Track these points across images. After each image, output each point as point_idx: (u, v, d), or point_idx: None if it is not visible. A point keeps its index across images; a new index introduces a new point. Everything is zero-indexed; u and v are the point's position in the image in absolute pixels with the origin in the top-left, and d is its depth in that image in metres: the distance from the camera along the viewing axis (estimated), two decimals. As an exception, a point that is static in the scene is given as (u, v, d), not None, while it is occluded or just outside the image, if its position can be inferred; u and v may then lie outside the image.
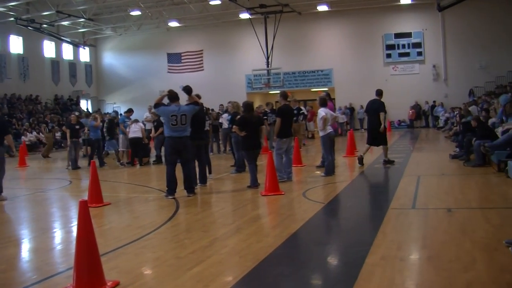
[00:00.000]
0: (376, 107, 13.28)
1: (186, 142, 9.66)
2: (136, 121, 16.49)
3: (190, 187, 9.71)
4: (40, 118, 30.98)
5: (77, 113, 20.03)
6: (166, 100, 9.87)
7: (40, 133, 28.73)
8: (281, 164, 11.02)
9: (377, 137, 13.29)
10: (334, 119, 12.47)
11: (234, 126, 11.03)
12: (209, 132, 13.90)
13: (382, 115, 13.18)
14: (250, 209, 8.63)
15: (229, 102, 14.70)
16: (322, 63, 34.56)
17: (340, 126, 29.42)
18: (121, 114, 22.48)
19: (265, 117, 16.58)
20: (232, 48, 36.42)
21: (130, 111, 18.16)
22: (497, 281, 4.45)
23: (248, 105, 10.81)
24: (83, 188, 12.06)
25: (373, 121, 13.38)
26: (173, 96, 9.70)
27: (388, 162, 13.30)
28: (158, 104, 9.63)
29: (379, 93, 13.59)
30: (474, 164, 12.05)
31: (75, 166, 16.40)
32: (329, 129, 11.72)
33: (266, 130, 12.34)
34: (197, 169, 10.89)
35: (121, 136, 17.08)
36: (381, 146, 13.48)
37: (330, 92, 34.78)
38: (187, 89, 9.90)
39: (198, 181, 10.90)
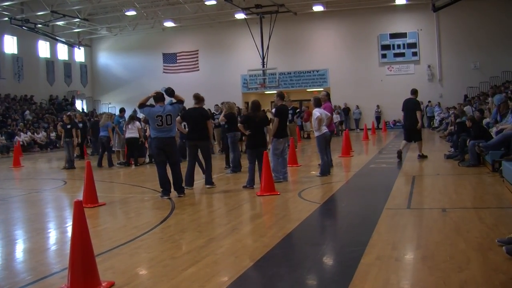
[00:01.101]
0: (413, 106, 14.18)
1: (172, 142, 9.64)
2: (133, 121, 16.28)
3: (179, 188, 9.69)
4: (34, 119, 30.91)
5: (69, 113, 19.94)
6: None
7: (39, 133, 28.66)
8: (277, 164, 11.03)
9: (413, 134, 14.32)
10: (330, 120, 12.47)
11: (238, 125, 10.99)
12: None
13: (419, 113, 14.21)
14: (246, 209, 8.64)
15: (222, 103, 14.63)
16: (317, 63, 34.65)
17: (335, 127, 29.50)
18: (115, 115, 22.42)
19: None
20: (228, 48, 36.45)
21: (122, 111, 18.09)
22: (491, 280, 4.46)
23: (254, 104, 10.78)
24: (78, 188, 12.03)
25: (410, 119, 14.23)
26: (158, 97, 9.63)
27: (422, 156, 14.26)
28: (142, 105, 9.55)
29: (414, 92, 14.50)
30: (469, 164, 12.09)
31: (70, 166, 16.36)
32: (324, 130, 11.72)
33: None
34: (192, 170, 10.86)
35: (116, 136, 17.07)
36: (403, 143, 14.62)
37: (326, 92, 34.85)
38: (169, 91, 9.69)
39: (205, 183, 10.84)
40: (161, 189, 9.62)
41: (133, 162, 16.54)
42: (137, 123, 16.31)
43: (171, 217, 7.91)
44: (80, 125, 19.01)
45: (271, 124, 11.58)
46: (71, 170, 16.05)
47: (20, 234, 7.54)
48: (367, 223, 6.95)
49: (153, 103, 9.74)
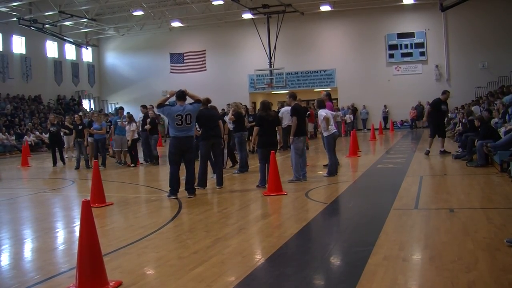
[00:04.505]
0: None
1: (191, 142, 9.65)
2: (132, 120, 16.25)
3: (191, 188, 9.66)
4: (42, 119, 31.05)
5: (80, 113, 19.96)
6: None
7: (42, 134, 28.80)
8: (298, 164, 11.03)
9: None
10: (335, 118, 12.48)
11: (254, 127, 10.97)
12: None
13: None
14: (253, 209, 8.63)
15: (228, 104, 14.60)
16: (324, 63, 34.58)
17: (347, 127, 29.42)
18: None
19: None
20: (235, 48, 36.44)
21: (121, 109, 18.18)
22: (499, 281, 4.44)
23: (265, 104, 10.82)
24: (85, 188, 12.07)
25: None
26: (179, 95, 9.65)
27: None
28: (161, 105, 9.55)
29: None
30: (477, 164, 12.04)
31: (78, 166, 16.39)
32: (333, 129, 11.72)
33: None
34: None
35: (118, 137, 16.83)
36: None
37: (333, 92, 34.82)
38: (179, 95, 9.65)
39: (217, 184, 10.80)
40: (169, 188, 9.62)
41: (140, 162, 16.56)
42: (133, 124, 16.21)
43: (178, 217, 7.93)
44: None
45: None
46: (78, 170, 16.09)
47: (28, 233, 7.59)
48: (374, 223, 6.94)
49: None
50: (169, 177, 9.61)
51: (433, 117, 15.57)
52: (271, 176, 9.50)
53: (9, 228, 7.94)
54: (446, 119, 17.26)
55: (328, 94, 13.44)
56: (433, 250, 5.47)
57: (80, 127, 16.66)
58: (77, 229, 6.91)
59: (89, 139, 16.51)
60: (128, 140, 16.04)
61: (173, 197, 9.46)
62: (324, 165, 12.98)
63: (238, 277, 4.82)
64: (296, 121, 10.95)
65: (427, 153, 15.13)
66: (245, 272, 4.97)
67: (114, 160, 17.34)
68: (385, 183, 11.05)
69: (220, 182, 10.75)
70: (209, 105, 11.22)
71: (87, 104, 38.84)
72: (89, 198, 8.55)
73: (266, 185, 9.98)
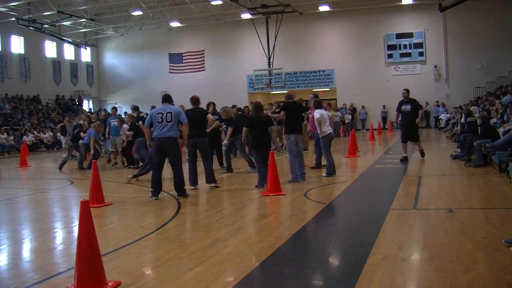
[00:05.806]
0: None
1: (172, 144, 9.46)
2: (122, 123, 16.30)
3: (180, 190, 9.57)
4: (40, 119, 31.03)
5: (67, 119, 19.97)
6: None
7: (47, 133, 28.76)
8: (294, 164, 11.01)
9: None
10: (331, 119, 12.49)
11: (244, 128, 10.97)
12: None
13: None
14: (252, 209, 8.63)
15: (222, 109, 14.58)
16: (323, 63, 34.60)
17: (346, 127, 29.44)
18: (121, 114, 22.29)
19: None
20: (234, 48, 36.45)
21: (114, 109, 18.02)
22: (498, 281, 4.44)
23: (257, 105, 10.86)
24: (84, 188, 12.05)
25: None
26: (165, 97, 9.79)
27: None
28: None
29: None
30: (475, 165, 12.05)
31: (61, 167, 16.23)
32: (329, 130, 11.71)
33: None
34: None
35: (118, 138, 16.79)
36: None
37: (332, 93, 34.96)
38: (166, 97, 9.83)
39: (206, 181, 10.76)
40: (151, 190, 9.63)
41: (140, 163, 16.53)
42: (124, 125, 16.13)
43: (177, 217, 7.92)
44: None
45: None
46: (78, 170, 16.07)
47: (26, 233, 7.58)
48: (373, 223, 6.94)
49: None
50: (151, 179, 9.64)
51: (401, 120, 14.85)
52: (270, 177, 9.50)
53: (7, 228, 7.93)
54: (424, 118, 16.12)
55: (316, 96, 13.40)
56: (432, 250, 5.47)
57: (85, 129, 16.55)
58: (75, 229, 6.90)
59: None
60: (123, 141, 16.01)
61: (154, 198, 9.47)
62: (323, 165, 12.98)
63: (237, 277, 4.82)
64: (283, 116, 10.98)
65: (404, 159, 13.97)
66: (244, 272, 4.97)
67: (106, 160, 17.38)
68: (384, 183, 11.05)
69: (211, 180, 10.70)
70: (209, 101, 11.26)
71: (86, 104, 38.79)
72: (87, 198, 8.54)
73: (265, 185, 9.97)
